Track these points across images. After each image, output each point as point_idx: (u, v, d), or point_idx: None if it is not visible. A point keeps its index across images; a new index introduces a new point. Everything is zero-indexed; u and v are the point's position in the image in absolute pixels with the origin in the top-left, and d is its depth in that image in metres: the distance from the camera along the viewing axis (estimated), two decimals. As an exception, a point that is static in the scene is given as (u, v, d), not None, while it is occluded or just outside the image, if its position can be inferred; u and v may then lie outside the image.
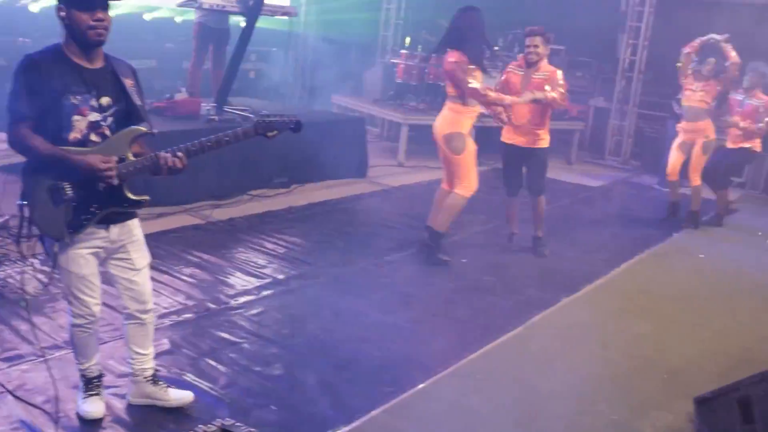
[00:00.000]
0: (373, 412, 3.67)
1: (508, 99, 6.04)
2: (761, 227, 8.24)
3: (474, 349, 4.48)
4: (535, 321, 5.00)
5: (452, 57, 5.74)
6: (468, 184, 5.92)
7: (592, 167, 11.42)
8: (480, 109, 6.00)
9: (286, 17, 10.10)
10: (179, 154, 3.14)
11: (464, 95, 5.78)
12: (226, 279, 5.34)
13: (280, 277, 5.46)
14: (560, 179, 9.79)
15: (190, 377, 3.87)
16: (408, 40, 12.01)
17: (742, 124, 7.74)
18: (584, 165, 11.54)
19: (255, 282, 5.32)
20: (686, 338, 4.98)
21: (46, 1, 9.00)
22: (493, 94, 5.90)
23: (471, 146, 5.89)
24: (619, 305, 5.49)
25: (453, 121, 5.87)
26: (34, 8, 9.17)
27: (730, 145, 8.05)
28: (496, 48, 10.33)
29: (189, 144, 3.18)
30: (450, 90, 5.91)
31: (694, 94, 7.76)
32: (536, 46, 6.13)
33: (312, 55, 13.26)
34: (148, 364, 3.50)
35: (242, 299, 4.99)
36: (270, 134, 3.35)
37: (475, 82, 5.69)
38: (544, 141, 6.37)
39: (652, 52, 11.67)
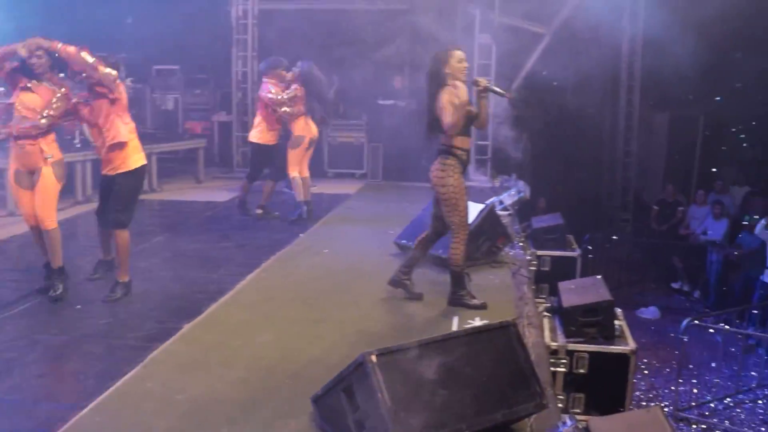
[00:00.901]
0: None
1: None
2: (381, 215, 8.76)
3: (87, 403, 4.04)
4: (155, 356, 4.66)
5: None
6: None
7: (223, 182, 11.35)
8: None
9: None
10: None
11: None
12: None
13: None
14: (189, 200, 9.61)
15: None
16: None
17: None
18: (215, 181, 11.43)
19: None
20: (309, 338, 4.99)
21: None
22: None
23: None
24: (243, 318, 5.35)
25: None
26: None
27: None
28: None
29: None
30: None
31: None
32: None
33: None
34: None
35: None
36: None
37: None
38: (125, 165, 5.79)
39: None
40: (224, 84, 13.06)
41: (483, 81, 5.32)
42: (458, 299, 5.53)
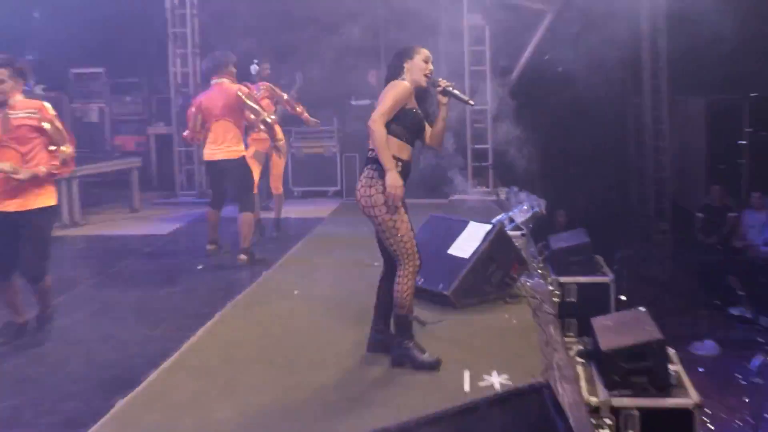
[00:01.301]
0: None
1: None
2: (362, 242, 8.54)
3: None
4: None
5: None
6: None
7: (163, 209, 11.26)
8: None
9: None
10: None
11: None
12: None
13: None
14: (122, 233, 9.42)
15: None
16: None
17: None
18: (154, 209, 11.32)
19: None
20: (280, 411, 4.69)
21: None
22: None
23: None
24: (195, 389, 5.03)
25: None
26: None
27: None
28: None
29: None
30: None
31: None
32: (2, 81, 5.73)
33: None
34: None
35: None
36: None
37: None
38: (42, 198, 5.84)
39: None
40: (160, 89, 12.96)
41: (444, 82, 5.32)
42: (403, 353, 5.23)
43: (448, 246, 6.76)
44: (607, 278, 8.36)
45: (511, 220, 8.44)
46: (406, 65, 5.27)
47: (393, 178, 4.93)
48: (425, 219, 7.44)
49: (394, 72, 5.31)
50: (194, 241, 9.46)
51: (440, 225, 7.20)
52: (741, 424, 8.95)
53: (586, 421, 4.85)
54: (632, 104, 14.34)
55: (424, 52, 5.34)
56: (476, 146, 11.47)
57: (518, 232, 8.30)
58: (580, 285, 8.22)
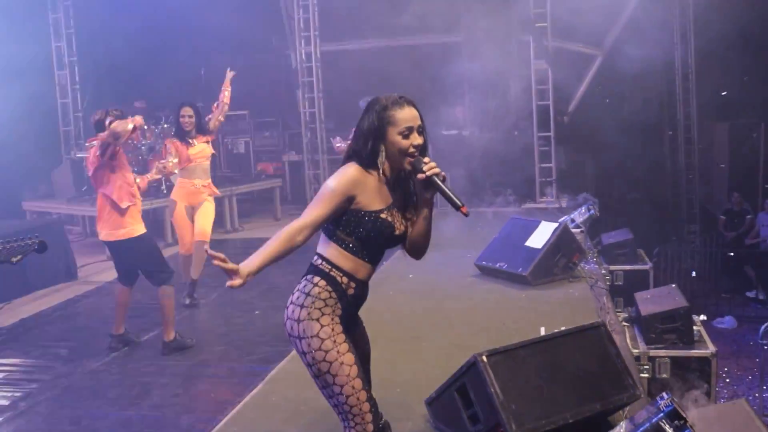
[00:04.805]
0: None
1: None
2: (456, 240, 9.22)
3: (222, 416, 4.62)
4: (274, 375, 5.21)
5: None
6: None
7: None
8: None
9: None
10: None
11: None
12: (-57, 422, 4.95)
13: (5, 403, 5.17)
14: (270, 237, 10.18)
15: None
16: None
17: None
18: (291, 218, 11.91)
19: (-21, 416, 5.00)
20: (409, 353, 5.48)
21: None
22: None
23: None
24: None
25: None
26: None
27: None
28: None
29: None
30: None
31: None
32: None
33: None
34: None
35: (-32, 438, 4.68)
36: (14, 259, 3.35)
37: None
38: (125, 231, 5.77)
39: (328, 102, 12.59)
40: (291, 125, 13.78)
41: (431, 165, 3.03)
42: None
43: (525, 239, 7.20)
44: (647, 266, 8.74)
45: (573, 221, 8.76)
46: (379, 151, 3.03)
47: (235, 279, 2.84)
48: (507, 220, 7.97)
49: (359, 146, 3.07)
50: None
51: (519, 224, 7.64)
52: (750, 378, 9.41)
53: (631, 363, 5.50)
54: (668, 128, 14.56)
55: (404, 116, 3.03)
56: (542, 165, 11.88)
57: (578, 230, 8.63)
58: (626, 272, 8.54)
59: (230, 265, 2.82)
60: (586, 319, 5.71)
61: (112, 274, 8.70)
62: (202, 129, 7.31)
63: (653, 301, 6.56)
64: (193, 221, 7.21)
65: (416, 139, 3.04)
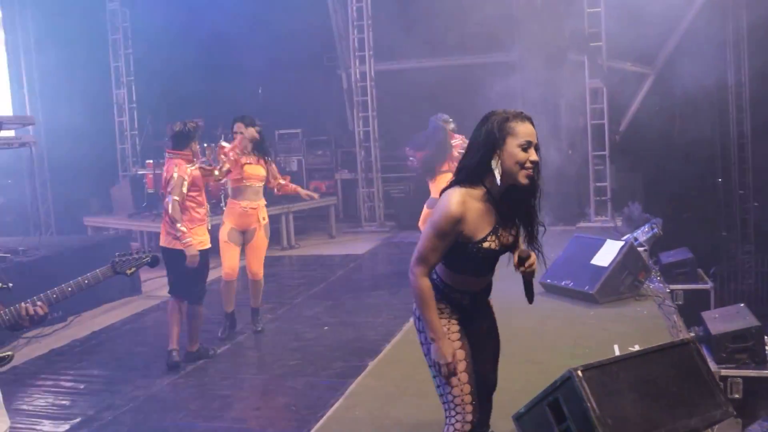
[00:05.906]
0: None
1: None
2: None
3: (305, 431, 4.70)
4: (353, 389, 5.29)
5: None
6: None
7: (353, 236, 12.11)
8: None
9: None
10: (39, 303, 3.19)
11: None
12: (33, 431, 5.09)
13: (90, 413, 5.30)
14: (327, 254, 10.36)
15: None
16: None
17: None
18: (345, 236, 12.20)
19: (65, 425, 5.11)
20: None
21: None
22: None
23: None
24: (421, 356, 5.94)
25: None
26: None
27: None
28: None
29: (48, 292, 3.26)
30: None
31: None
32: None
33: (50, 180, 12.76)
34: None
35: (58, 446, 4.80)
36: (129, 272, 3.49)
37: None
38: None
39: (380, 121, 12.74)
40: (342, 143, 13.95)
41: (532, 262, 3.17)
42: None
43: (591, 257, 7.23)
44: (707, 286, 8.62)
45: (636, 239, 8.72)
46: (493, 158, 2.98)
47: (438, 351, 3.15)
48: (570, 238, 8.02)
49: (467, 158, 3.12)
50: (384, 259, 10.42)
51: (584, 242, 7.68)
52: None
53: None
54: (720, 148, 14.46)
55: (525, 130, 3.00)
56: (597, 184, 11.88)
57: (641, 248, 8.49)
58: (686, 291, 8.40)
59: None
60: (659, 338, 5.76)
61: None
62: (262, 150, 6.72)
63: (722, 320, 6.49)
64: (238, 244, 6.65)
65: (533, 155, 3.02)
